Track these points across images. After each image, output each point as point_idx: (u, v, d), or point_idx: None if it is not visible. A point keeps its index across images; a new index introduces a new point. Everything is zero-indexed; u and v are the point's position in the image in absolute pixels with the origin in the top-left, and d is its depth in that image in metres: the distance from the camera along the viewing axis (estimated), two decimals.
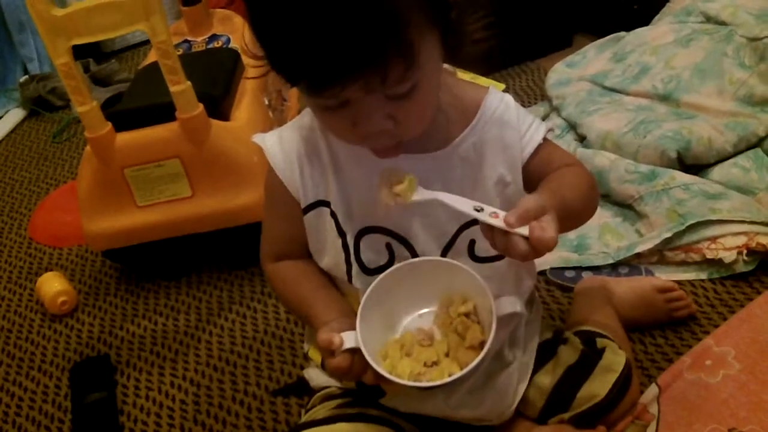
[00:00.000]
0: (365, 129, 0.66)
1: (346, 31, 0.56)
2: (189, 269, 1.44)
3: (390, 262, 0.78)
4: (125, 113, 1.31)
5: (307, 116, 0.80)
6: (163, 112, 1.25)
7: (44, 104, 2.27)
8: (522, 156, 0.79)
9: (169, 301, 1.38)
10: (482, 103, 0.79)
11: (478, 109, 0.78)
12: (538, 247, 0.63)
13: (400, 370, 0.71)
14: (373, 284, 0.74)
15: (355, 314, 0.73)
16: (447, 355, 0.73)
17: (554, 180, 0.78)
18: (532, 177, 0.80)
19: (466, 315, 0.75)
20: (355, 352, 0.71)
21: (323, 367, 0.91)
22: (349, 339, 0.71)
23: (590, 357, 0.91)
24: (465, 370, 0.69)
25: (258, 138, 0.82)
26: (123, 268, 1.48)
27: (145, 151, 1.28)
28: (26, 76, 2.34)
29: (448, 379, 0.69)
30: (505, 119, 0.78)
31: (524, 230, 0.64)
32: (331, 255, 0.81)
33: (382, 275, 0.74)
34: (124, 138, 1.28)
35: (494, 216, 0.66)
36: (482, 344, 0.72)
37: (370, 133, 0.66)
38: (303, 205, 0.80)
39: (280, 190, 0.80)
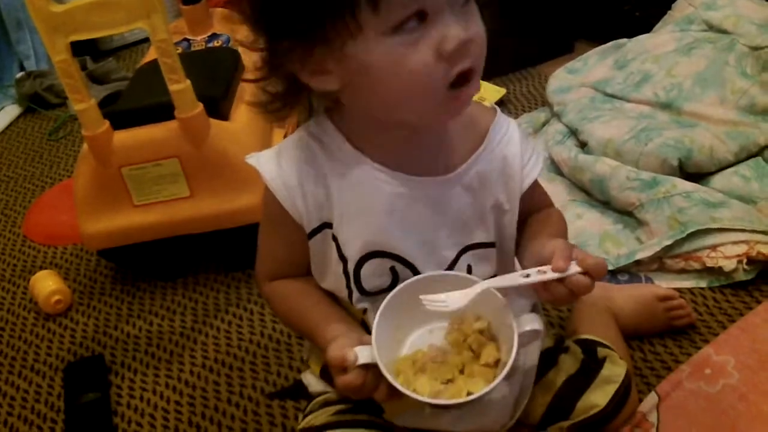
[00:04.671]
0: (457, 38, 0.60)
1: None
2: (185, 270, 1.43)
3: (393, 285, 0.76)
4: (123, 112, 1.29)
5: (305, 132, 0.76)
6: (162, 111, 1.24)
7: (40, 101, 2.25)
8: (521, 187, 0.79)
9: (165, 301, 1.37)
10: (489, 131, 0.77)
11: (485, 136, 0.77)
12: (597, 275, 0.67)
13: (419, 388, 0.69)
14: (388, 297, 0.72)
15: (359, 327, 0.71)
16: (461, 372, 0.72)
17: (553, 224, 0.82)
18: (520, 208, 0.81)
19: (480, 332, 0.73)
20: (369, 368, 0.68)
21: (323, 378, 0.90)
22: (362, 354, 0.68)
23: (591, 367, 0.90)
24: (489, 387, 0.67)
25: (253, 159, 0.77)
26: (118, 268, 1.47)
27: (143, 151, 1.26)
28: (22, 73, 2.32)
29: (469, 397, 0.67)
30: (510, 151, 0.78)
31: (573, 268, 0.67)
32: (331, 280, 0.79)
33: (397, 289, 0.72)
34: (122, 137, 1.26)
35: (542, 273, 0.68)
36: (497, 362, 0.71)
37: (461, 46, 0.61)
38: (308, 230, 0.77)
39: (281, 213, 0.76)
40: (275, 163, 0.76)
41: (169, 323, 1.32)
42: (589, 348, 0.94)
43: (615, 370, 0.90)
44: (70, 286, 1.44)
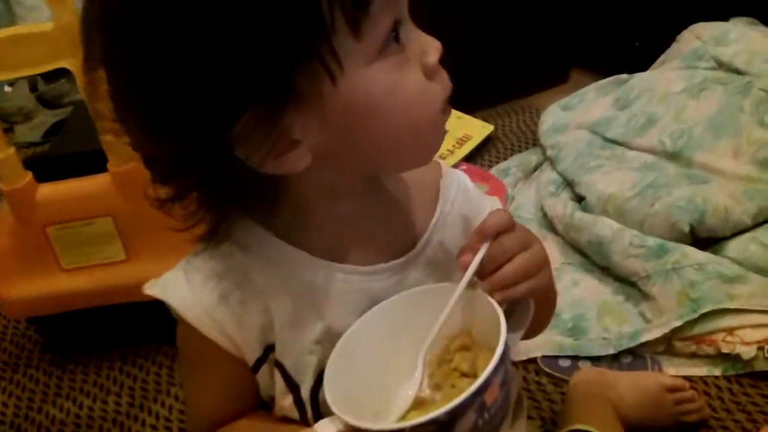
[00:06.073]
0: (437, 48, 0.54)
1: None
2: (126, 339, 1.24)
3: None
4: (48, 161, 1.13)
5: (219, 239, 0.60)
6: (95, 160, 1.07)
7: None
8: None
9: (99, 378, 1.19)
10: (440, 190, 0.66)
11: (438, 198, 0.66)
12: (506, 226, 0.56)
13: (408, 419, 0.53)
14: (331, 358, 0.57)
15: None
16: None
17: None
18: None
19: (465, 349, 0.59)
20: None
21: None
22: (324, 427, 0.53)
23: None
24: (485, 373, 0.50)
25: (155, 289, 0.59)
26: (50, 333, 1.29)
27: (71, 207, 1.10)
28: None
29: (463, 396, 0.49)
30: (468, 207, 0.67)
31: (483, 248, 0.56)
32: (282, 413, 0.63)
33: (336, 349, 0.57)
34: (47, 191, 1.09)
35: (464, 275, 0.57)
36: None
37: (441, 58, 0.54)
38: (251, 361, 0.60)
39: (210, 348, 0.59)
40: (185, 287, 0.58)
41: (101, 406, 1.14)
42: None
43: None
44: None
